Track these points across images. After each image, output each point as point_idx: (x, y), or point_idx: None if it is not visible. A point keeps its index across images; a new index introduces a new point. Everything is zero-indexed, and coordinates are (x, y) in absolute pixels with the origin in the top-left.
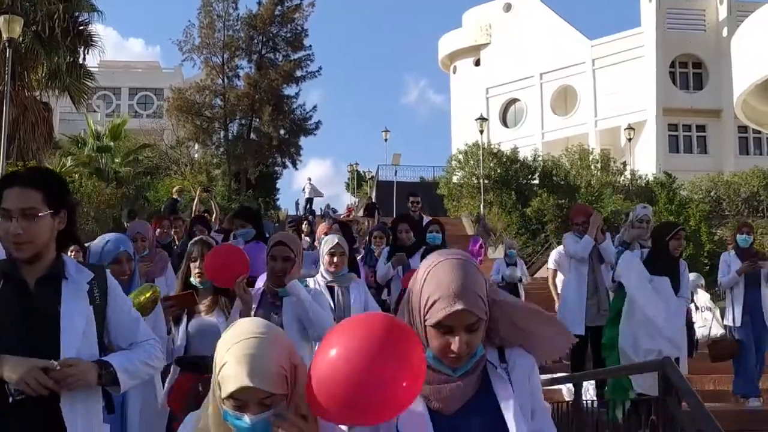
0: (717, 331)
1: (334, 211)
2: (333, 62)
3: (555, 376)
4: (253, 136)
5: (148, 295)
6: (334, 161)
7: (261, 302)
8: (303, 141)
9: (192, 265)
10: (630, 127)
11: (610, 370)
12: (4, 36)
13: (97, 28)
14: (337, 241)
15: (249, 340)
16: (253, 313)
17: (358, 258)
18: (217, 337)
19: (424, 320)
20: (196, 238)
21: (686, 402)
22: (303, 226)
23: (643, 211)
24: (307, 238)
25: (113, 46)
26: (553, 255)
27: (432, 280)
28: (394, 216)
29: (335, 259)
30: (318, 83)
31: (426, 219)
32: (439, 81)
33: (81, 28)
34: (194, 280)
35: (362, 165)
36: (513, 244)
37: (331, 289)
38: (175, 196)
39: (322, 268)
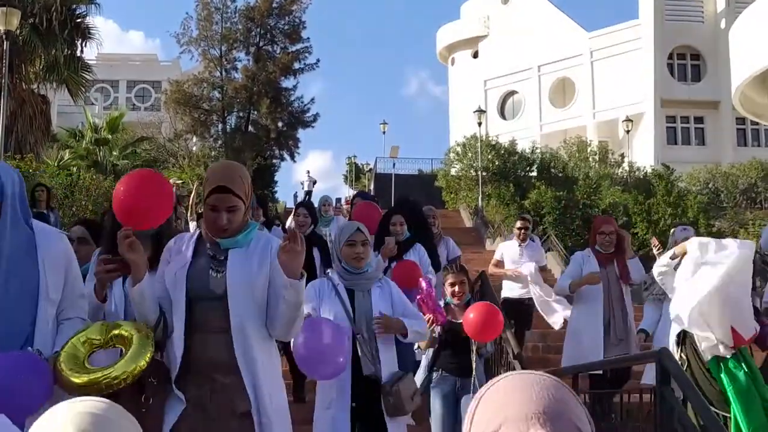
0: None
1: (338, 200)
2: (333, 54)
3: (548, 370)
4: (251, 128)
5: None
6: (335, 153)
7: (196, 251)
8: (302, 133)
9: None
10: (628, 119)
11: (608, 361)
12: (2, 29)
13: (96, 20)
14: (357, 227)
15: None
16: (187, 264)
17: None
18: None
19: None
20: None
21: (684, 393)
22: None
23: (683, 233)
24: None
25: (113, 39)
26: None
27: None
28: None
29: (358, 251)
30: (318, 76)
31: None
32: (439, 73)
33: (78, 20)
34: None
35: (363, 157)
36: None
37: (350, 292)
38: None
39: (339, 265)
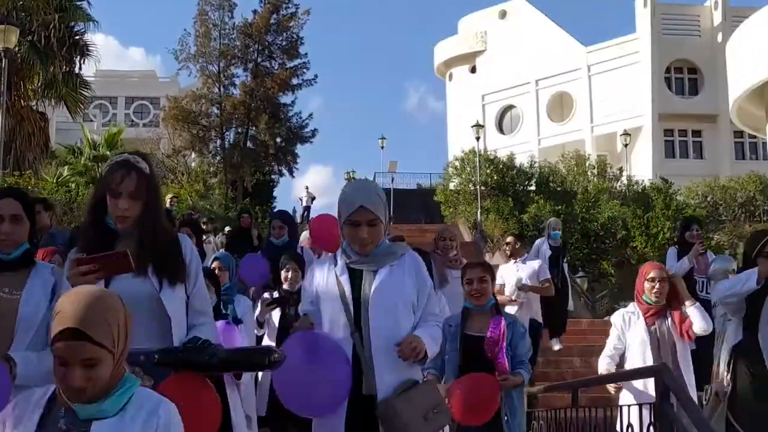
0: None
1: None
2: (332, 70)
3: (552, 384)
4: (249, 144)
5: None
6: (335, 169)
7: (43, 423)
8: (301, 149)
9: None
10: (626, 133)
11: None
12: (0, 46)
13: (97, 37)
14: (360, 204)
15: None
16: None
17: None
18: (150, 311)
19: None
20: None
21: (684, 407)
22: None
23: (724, 264)
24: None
25: (114, 56)
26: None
27: None
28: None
29: (362, 235)
30: (317, 91)
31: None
32: (438, 88)
33: (77, 37)
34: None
35: (362, 172)
36: (557, 223)
37: (352, 273)
38: (167, 206)
39: (344, 243)
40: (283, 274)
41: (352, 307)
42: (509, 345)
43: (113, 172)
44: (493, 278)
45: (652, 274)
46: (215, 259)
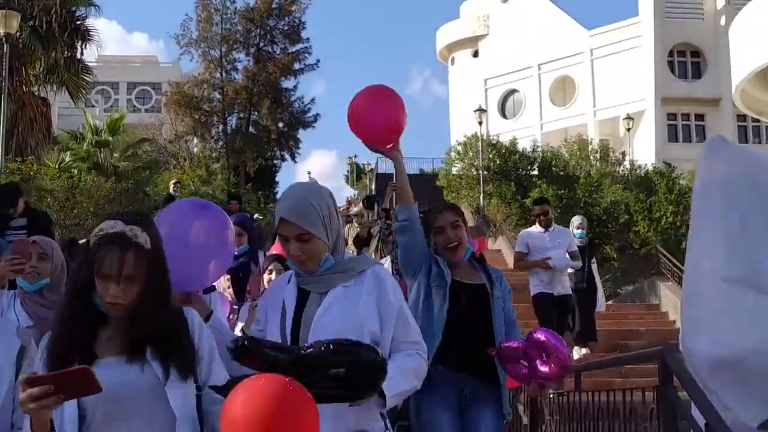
0: None
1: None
2: (335, 55)
3: None
4: (251, 129)
5: None
6: (339, 153)
7: None
8: (304, 134)
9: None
10: (629, 117)
11: (608, 361)
12: (1, 31)
13: (100, 22)
14: (287, 208)
15: None
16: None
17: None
18: (148, 408)
19: None
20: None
21: (686, 390)
22: None
23: None
24: None
25: (118, 41)
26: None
27: None
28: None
29: (292, 249)
30: (320, 76)
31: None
32: (441, 72)
33: (78, 22)
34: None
35: (363, 157)
36: (582, 222)
37: (303, 295)
38: (171, 191)
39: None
40: (266, 277)
41: (289, 337)
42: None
43: (104, 249)
44: (466, 223)
45: None
46: (234, 223)
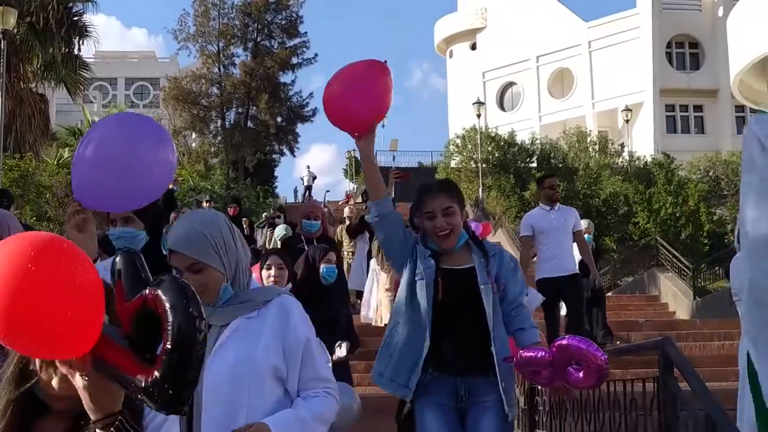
0: None
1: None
2: (333, 49)
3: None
4: (250, 124)
5: None
6: (338, 147)
7: None
8: (302, 128)
9: None
10: (627, 109)
11: (608, 351)
12: None
13: (98, 18)
14: (169, 244)
15: None
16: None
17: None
18: None
19: None
20: None
21: (687, 381)
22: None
23: None
24: None
25: (116, 36)
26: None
27: None
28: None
29: (188, 279)
30: (318, 71)
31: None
32: (441, 65)
33: (75, 18)
34: None
35: None
36: (589, 225)
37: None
38: (170, 186)
39: None
40: (264, 273)
41: None
42: (496, 281)
43: None
44: (462, 206)
45: None
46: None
